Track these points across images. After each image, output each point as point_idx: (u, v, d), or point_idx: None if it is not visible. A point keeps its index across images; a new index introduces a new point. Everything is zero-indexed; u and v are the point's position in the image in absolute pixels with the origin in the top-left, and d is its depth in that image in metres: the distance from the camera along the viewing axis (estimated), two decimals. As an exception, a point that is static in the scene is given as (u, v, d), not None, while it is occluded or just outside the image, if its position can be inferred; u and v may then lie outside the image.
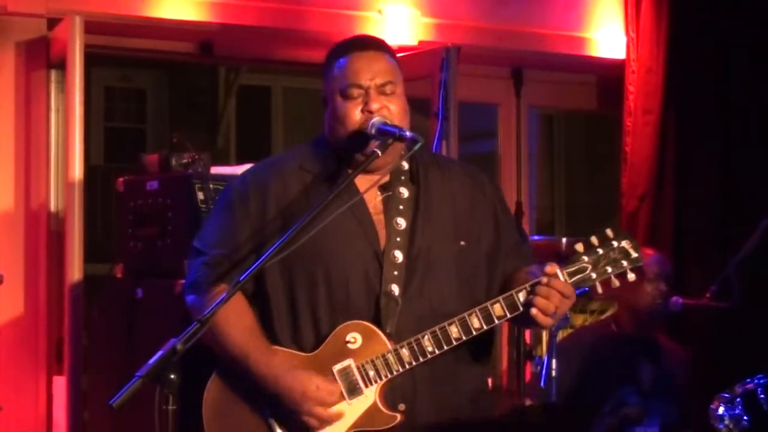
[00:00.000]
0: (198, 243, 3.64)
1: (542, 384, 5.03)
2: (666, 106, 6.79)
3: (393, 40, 6.41)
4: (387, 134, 3.46)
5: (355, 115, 3.50)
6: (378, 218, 3.54)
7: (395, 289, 3.49)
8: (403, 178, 3.57)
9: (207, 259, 3.57)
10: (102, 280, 5.82)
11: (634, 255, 3.51)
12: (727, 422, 4.92)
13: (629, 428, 5.35)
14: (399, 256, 3.51)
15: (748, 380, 4.98)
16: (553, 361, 5.01)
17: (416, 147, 3.45)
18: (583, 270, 3.49)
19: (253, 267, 3.31)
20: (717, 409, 4.94)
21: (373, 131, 3.47)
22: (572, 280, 3.48)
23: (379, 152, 3.43)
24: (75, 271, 5.51)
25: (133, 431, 4.10)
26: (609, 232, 3.51)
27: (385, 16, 6.40)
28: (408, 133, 3.45)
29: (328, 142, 3.60)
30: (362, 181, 3.52)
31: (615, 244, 3.51)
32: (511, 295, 3.47)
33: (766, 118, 6.64)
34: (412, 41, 6.47)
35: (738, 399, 4.93)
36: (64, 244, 5.61)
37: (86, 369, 5.49)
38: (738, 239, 5.70)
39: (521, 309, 3.46)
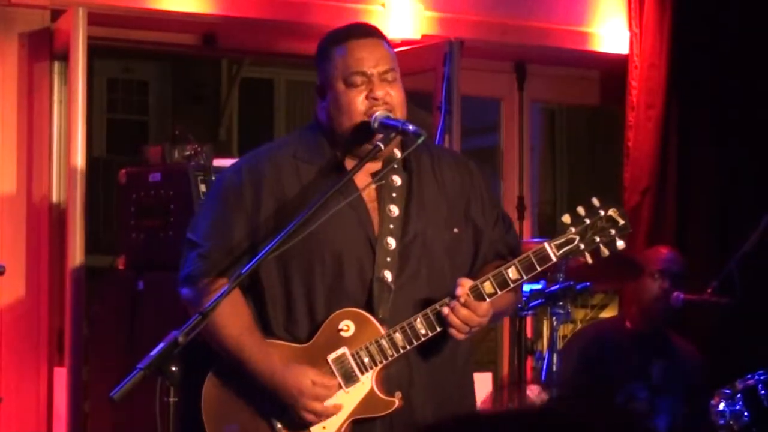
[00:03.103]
0: (192, 235, 3.61)
1: (543, 379, 5.03)
2: (668, 101, 6.78)
3: (396, 34, 6.41)
4: (390, 128, 3.46)
5: (358, 103, 3.48)
6: (372, 206, 3.53)
7: (388, 275, 3.49)
8: (395, 166, 3.54)
9: (202, 251, 3.55)
10: (104, 271, 5.83)
11: (622, 222, 3.51)
12: (727, 418, 4.92)
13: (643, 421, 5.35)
14: (392, 242, 3.51)
15: (749, 376, 4.99)
16: (554, 356, 5.01)
17: (419, 141, 3.45)
18: (571, 241, 3.48)
19: (255, 260, 3.31)
20: (718, 405, 4.95)
21: (376, 125, 3.47)
22: (561, 251, 3.47)
23: (382, 146, 3.43)
24: (76, 262, 5.51)
25: (134, 423, 4.11)
26: (595, 201, 3.50)
27: (389, 9, 6.40)
28: (411, 127, 3.45)
29: (325, 131, 3.57)
30: (351, 165, 3.52)
31: (602, 212, 3.50)
32: (501, 271, 3.46)
33: (768, 113, 6.64)
34: (416, 35, 6.46)
35: (739, 395, 4.94)
36: (66, 235, 5.61)
37: (87, 360, 5.49)
38: (740, 235, 5.70)
39: (511, 285, 3.46)
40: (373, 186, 3.52)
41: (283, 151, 3.60)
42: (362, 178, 3.50)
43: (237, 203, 3.54)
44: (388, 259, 3.50)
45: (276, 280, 3.50)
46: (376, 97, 3.47)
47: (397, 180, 3.56)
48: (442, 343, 3.51)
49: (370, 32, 3.58)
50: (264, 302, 3.52)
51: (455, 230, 3.58)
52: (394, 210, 3.54)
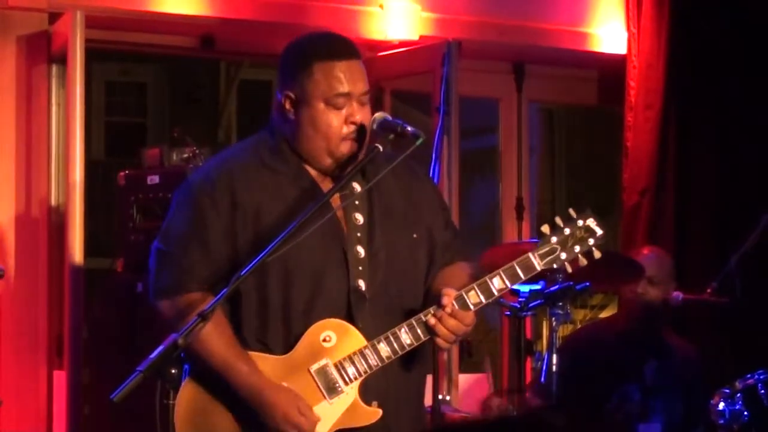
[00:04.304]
0: (164, 245, 3.51)
1: (542, 379, 5.03)
2: (667, 101, 6.78)
3: (394, 35, 6.41)
4: (389, 129, 3.45)
5: (336, 126, 3.45)
6: (339, 214, 3.50)
7: (362, 284, 3.47)
8: (359, 170, 3.49)
9: (179, 261, 3.47)
10: (103, 274, 5.83)
11: (600, 232, 3.54)
12: (727, 418, 4.92)
13: (632, 424, 5.36)
14: (361, 251, 3.49)
15: (749, 375, 4.99)
16: (554, 357, 5.00)
17: (417, 142, 3.45)
18: (553, 251, 3.50)
19: (252, 263, 3.29)
20: (717, 405, 4.95)
21: (374, 126, 3.47)
22: (544, 261, 3.49)
23: (381, 147, 3.43)
24: (75, 265, 5.51)
25: (134, 426, 4.10)
26: (572, 212, 3.54)
27: (387, 10, 6.39)
28: (410, 128, 3.45)
29: (287, 139, 3.52)
30: (319, 177, 3.51)
31: (580, 222, 3.54)
32: (485, 281, 3.46)
33: (767, 112, 6.63)
34: (413, 36, 6.46)
35: (738, 394, 4.94)
36: (65, 238, 5.61)
37: (87, 363, 5.49)
38: (739, 234, 5.70)
39: (496, 295, 3.47)
40: (337, 195, 3.48)
41: (250, 159, 3.54)
42: (327, 187, 3.49)
43: (212, 211, 3.46)
44: (360, 268, 3.48)
45: (253, 291, 3.44)
46: (355, 122, 3.45)
47: (357, 187, 3.52)
48: (414, 352, 3.48)
49: (354, 53, 3.52)
50: (239, 312, 3.46)
51: (414, 236, 3.57)
52: (359, 218, 3.52)
